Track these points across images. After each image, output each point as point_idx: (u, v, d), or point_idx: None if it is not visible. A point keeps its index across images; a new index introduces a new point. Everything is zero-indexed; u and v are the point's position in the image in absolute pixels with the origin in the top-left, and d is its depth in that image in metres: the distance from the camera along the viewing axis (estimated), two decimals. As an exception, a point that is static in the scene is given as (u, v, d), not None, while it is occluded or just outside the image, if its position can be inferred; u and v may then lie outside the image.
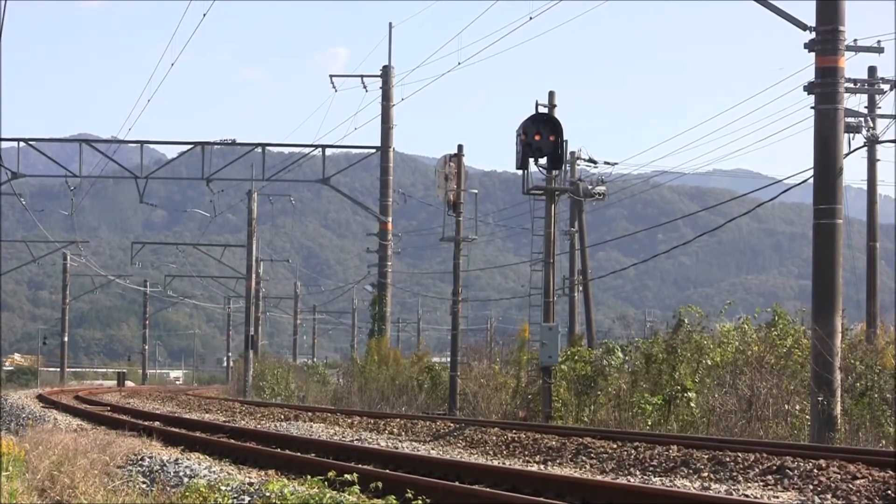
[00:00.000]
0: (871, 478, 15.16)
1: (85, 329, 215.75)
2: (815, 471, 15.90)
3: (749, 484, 15.99)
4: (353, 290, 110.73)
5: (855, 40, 36.88)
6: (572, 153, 47.94)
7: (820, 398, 23.00)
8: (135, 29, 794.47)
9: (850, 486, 14.89)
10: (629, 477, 17.41)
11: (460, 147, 41.39)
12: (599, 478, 16.97)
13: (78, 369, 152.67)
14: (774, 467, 16.56)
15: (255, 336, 68.85)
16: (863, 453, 17.38)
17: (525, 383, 35.11)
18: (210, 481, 15.04)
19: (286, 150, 62.82)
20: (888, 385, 24.96)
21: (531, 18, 36.98)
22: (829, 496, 14.63)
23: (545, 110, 31.16)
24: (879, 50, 37.64)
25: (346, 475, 13.57)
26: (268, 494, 12.87)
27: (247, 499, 13.69)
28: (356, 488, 12.98)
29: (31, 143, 56.64)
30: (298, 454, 20.27)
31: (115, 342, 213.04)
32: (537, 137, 29.57)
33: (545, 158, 30.00)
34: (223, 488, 14.19)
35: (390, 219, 55.15)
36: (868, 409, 24.66)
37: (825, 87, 23.52)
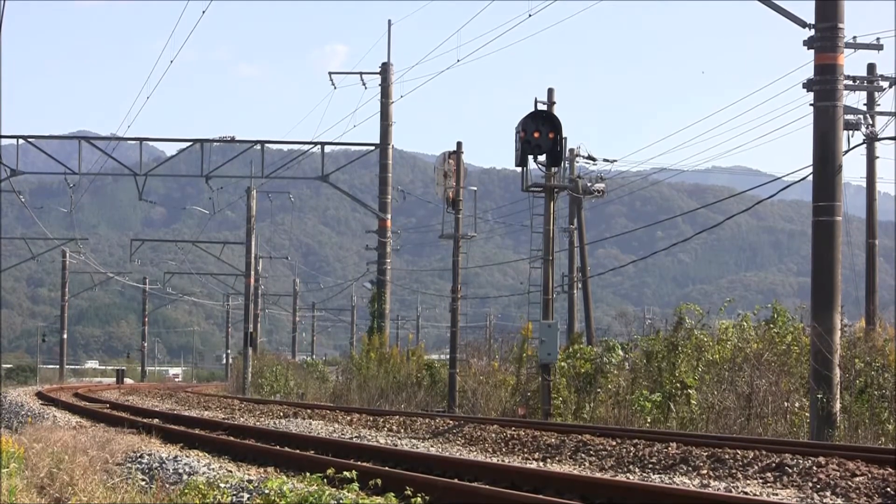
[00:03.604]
0: (870, 475, 15.16)
1: (84, 326, 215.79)
2: (815, 468, 15.90)
3: (748, 481, 15.99)
4: (353, 287, 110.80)
5: (854, 37, 36.84)
6: (571, 150, 47.90)
7: (819, 395, 23.00)
8: (134, 27, 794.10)
9: (850, 483, 14.89)
10: (628, 474, 17.41)
11: (459, 144, 41.39)
12: (598, 475, 16.97)
13: (77, 366, 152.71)
14: (774, 465, 16.56)
15: (254, 333, 68.90)
16: (862, 451, 17.38)
17: (524, 380, 35.11)
18: (209, 478, 15.04)
19: (285, 147, 62.68)
20: (887, 382, 24.96)
21: (530, 16, 36.95)
22: (828, 493, 14.63)
23: (544, 107, 31.18)
24: (878, 47, 37.59)
25: (345, 472, 13.57)
26: (267, 492, 12.86)
27: (246, 496, 13.69)
28: (355, 485, 12.97)
29: (30, 140, 56.59)
30: (297, 451, 20.27)
31: (115, 339, 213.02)
32: (536, 135, 29.60)
33: (544, 155, 30.02)
34: (222, 485, 14.19)
35: (389, 216, 55.14)
36: (867, 407, 24.66)
37: (824, 84, 23.51)
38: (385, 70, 54.65)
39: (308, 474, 14.49)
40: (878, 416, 24.44)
